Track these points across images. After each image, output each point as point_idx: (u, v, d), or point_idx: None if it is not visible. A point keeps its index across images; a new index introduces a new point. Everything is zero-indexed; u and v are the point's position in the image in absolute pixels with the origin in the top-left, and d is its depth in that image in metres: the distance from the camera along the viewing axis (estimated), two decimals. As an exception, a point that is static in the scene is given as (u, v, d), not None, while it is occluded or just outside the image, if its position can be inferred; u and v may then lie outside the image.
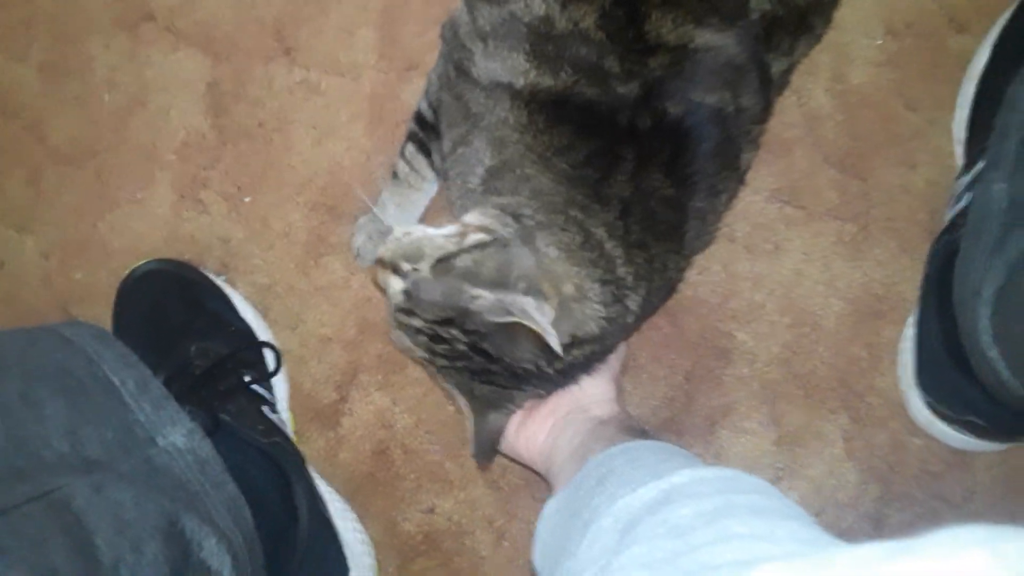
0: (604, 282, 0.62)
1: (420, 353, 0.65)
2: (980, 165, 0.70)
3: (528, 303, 0.58)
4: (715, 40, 0.63)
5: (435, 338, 0.63)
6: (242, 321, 0.89)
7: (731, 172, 0.68)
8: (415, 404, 0.88)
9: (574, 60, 0.63)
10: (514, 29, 0.65)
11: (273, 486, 0.78)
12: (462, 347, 0.63)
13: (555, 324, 0.59)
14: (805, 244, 0.82)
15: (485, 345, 0.62)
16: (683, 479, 0.50)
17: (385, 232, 0.82)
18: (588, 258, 0.62)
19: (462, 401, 0.69)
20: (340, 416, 0.90)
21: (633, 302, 0.64)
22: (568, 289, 0.61)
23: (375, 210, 0.82)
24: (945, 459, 0.79)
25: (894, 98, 0.80)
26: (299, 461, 0.82)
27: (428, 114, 0.77)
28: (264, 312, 0.92)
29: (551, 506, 0.61)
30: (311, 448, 0.89)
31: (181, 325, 0.85)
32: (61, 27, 0.99)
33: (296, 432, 0.88)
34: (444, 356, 0.64)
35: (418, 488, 0.87)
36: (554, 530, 0.58)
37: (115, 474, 0.61)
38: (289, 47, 0.92)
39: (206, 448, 0.66)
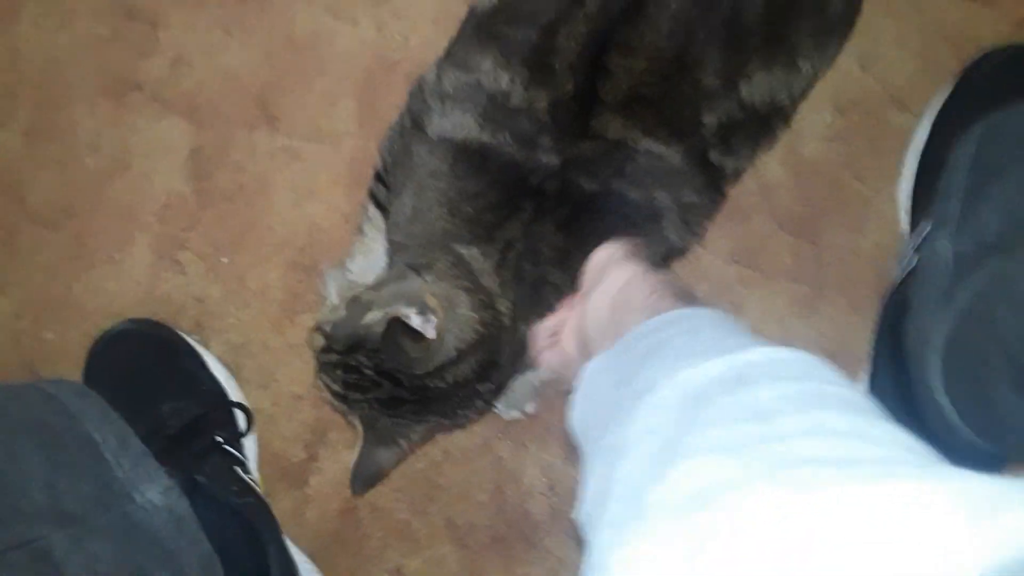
0: (469, 291, 0.66)
1: (336, 388, 0.68)
2: (926, 228, 0.72)
3: (411, 310, 0.63)
4: (658, 149, 0.65)
5: (348, 368, 0.66)
6: (214, 380, 0.87)
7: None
8: (385, 461, 0.84)
9: (515, 129, 0.66)
10: (475, 95, 0.68)
11: (246, 546, 0.75)
12: (369, 372, 0.65)
13: (443, 334, 0.64)
14: (762, 304, 0.82)
15: (387, 365, 0.65)
16: (757, 357, 0.41)
17: (353, 281, 0.82)
18: (456, 274, 0.66)
19: (360, 433, 0.72)
20: (308, 475, 0.86)
21: (503, 306, 0.66)
22: (445, 302, 0.65)
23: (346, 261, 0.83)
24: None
25: (843, 169, 0.82)
26: (273, 522, 0.79)
27: (382, 169, 0.79)
28: (237, 370, 0.88)
29: (593, 367, 0.52)
30: (278, 507, 0.84)
31: (153, 385, 0.83)
32: (46, 94, 0.97)
33: (264, 493, 0.83)
34: (356, 387, 0.67)
35: (385, 547, 0.83)
36: (595, 396, 0.50)
37: (93, 528, 0.59)
38: (272, 116, 0.91)
39: (183, 506, 0.65)
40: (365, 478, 0.73)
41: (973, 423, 0.62)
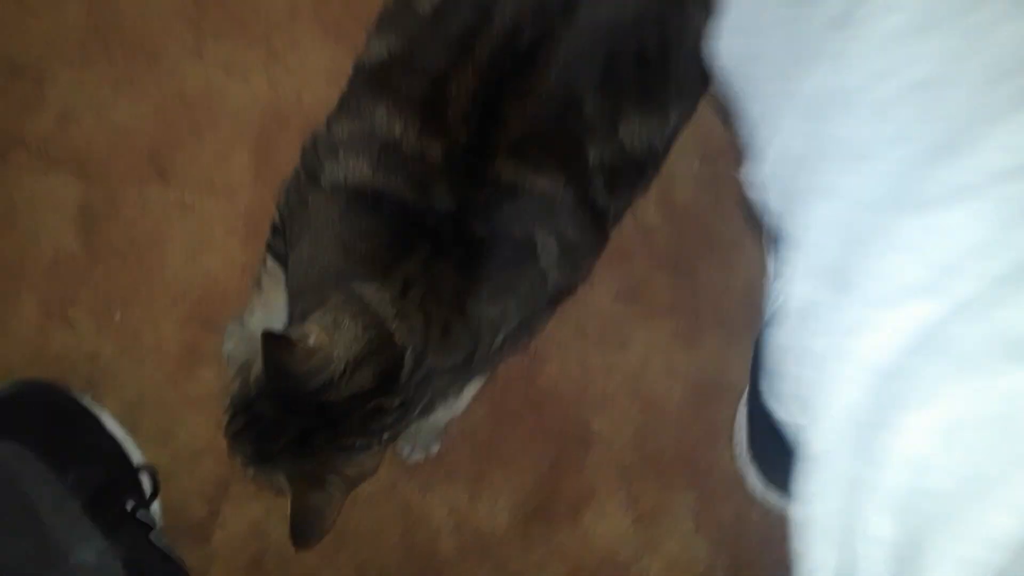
0: (357, 316, 0.65)
1: (250, 452, 0.66)
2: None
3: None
4: (548, 187, 0.68)
5: (251, 423, 0.65)
6: (112, 441, 0.83)
7: (522, 292, 0.71)
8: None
9: (408, 175, 0.67)
10: (368, 142, 0.69)
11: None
12: (270, 413, 0.64)
13: (328, 348, 0.63)
14: (647, 338, 0.86)
15: (279, 387, 0.63)
16: None
17: (252, 336, 0.80)
18: (345, 305, 0.66)
19: (288, 489, 0.68)
20: (211, 530, 0.84)
21: (400, 331, 0.66)
22: (330, 326, 0.65)
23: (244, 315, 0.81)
24: (784, 527, 0.82)
25: (712, 213, 0.88)
26: None
27: (279, 223, 0.78)
28: (134, 428, 0.86)
29: None
30: (182, 565, 0.81)
31: (51, 452, 0.78)
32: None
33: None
34: (266, 438, 0.65)
35: (295, 598, 0.81)
36: (763, 19, 0.37)
37: None
38: (164, 171, 0.90)
39: (117, 569, 0.66)
40: (304, 529, 0.68)
41: None
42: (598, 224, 0.73)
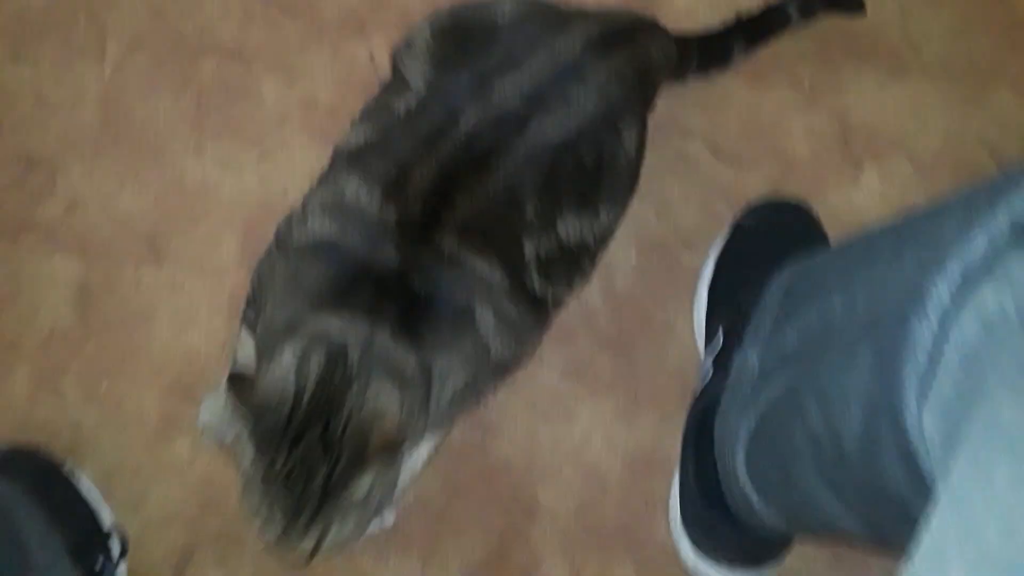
0: (297, 340, 0.70)
1: (310, 497, 0.67)
2: (718, 346, 0.84)
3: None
4: (484, 268, 0.75)
5: (288, 478, 0.67)
6: (86, 505, 0.88)
7: (465, 351, 0.76)
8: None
9: (365, 231, 0.75)
10: (335, 205, 0.77)
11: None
12: (289, 460, 0.66)
13: (278, 374, 0.69)
14: (590, 413, 0.92)
15: (274, 432, 0.67)
16: None
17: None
18: (287, 338, 0.72)
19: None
20: (175, 596, 0.86)
21: (340, 332, 0.71)
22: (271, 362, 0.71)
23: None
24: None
25: (647, 299, 0.95)
26: None
27: (251, 294, 0.85)
28: (109, 494, 0.90)
29: None
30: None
31: (24, 515, 0.82)
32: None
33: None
34: (308, 477, 0.67)
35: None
36: None
37: None
38: (159, 253, 0.98)
39: None
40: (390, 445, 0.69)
41: (774, 504, 0.71)
42: (536, 307, 0.80)
